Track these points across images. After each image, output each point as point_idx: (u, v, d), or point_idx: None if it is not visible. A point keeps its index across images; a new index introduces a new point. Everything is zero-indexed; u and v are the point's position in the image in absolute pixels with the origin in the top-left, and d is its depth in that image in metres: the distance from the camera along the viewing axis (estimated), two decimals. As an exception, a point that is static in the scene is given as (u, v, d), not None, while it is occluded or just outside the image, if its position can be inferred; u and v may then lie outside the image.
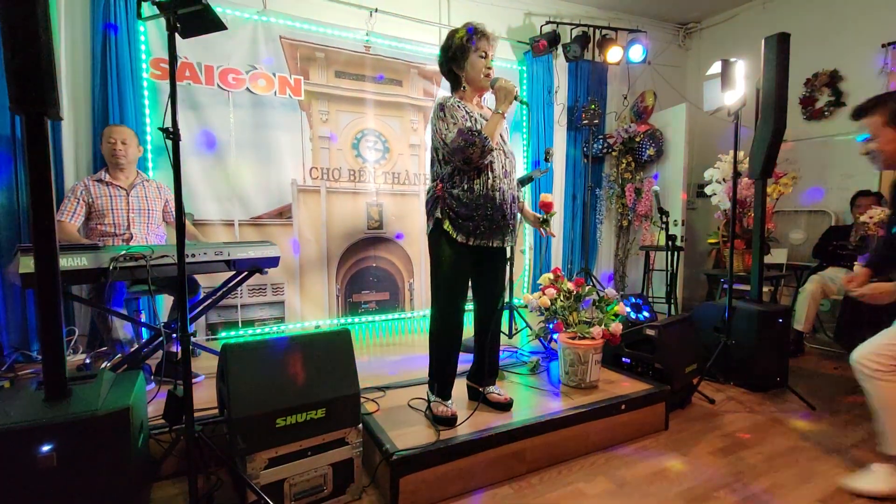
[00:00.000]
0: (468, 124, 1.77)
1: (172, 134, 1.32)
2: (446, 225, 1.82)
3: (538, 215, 2.03)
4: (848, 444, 2.09)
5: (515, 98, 1.81)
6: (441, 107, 1.82)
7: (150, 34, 2.93)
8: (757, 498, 1.69)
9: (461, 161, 1.77)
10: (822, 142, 4.13)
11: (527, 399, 2.11)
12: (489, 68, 1.87)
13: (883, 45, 3.72)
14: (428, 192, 1.92)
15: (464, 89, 1.91)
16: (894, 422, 1.68)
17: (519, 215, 2.03)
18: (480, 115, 1.88)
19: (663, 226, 3.33)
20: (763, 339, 2.63)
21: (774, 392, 2.67)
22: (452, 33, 1.88)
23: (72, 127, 2.79)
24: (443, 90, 3.84)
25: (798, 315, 3.34)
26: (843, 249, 3.44)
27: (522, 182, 2.95)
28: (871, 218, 3.11)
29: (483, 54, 1.85)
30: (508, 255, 2.33)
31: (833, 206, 4.02)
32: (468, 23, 1.86)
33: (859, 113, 1.81)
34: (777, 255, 3.93)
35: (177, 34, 1.35)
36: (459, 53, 1.85)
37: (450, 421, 1.82)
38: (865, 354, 1.74)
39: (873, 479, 1.72)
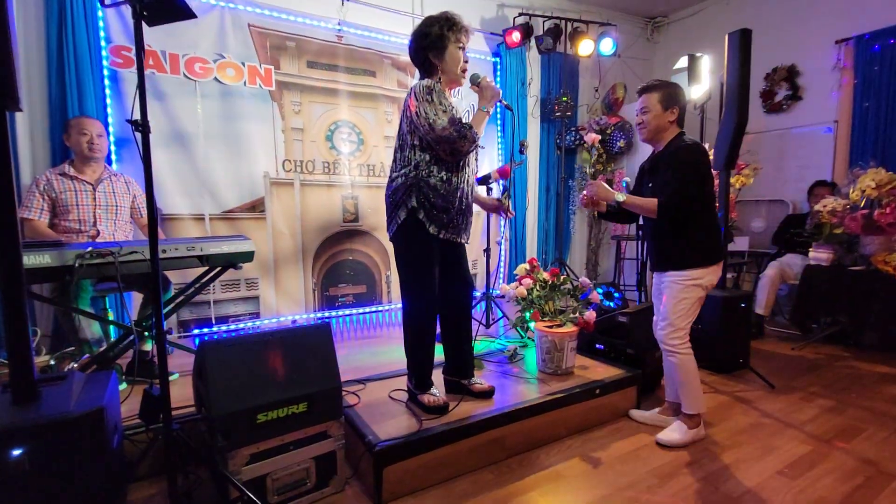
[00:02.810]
0: (457, 115, 1.76)
1: (142, 126, 1.28)
2: (421, 215, 1.78)
3: (494, 199, 2.04)
4: (804, 419, 2.23)
5: (500, 100, 1.83)
6: (429, 90, 1.75)
7: (110, 20, 2.79)
8: (721, 472, 1.79)
9: (447, 151, 1.75)
10: (780, 134, 4.32)
11: (505, 387, 2.16)
12: (466, 61, 1.87)
13: (836, 42, 3.91)
14: (395, 179, 1.83)
15: (439, 80, 1.85)
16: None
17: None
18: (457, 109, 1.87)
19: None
20: (727, 323, 2.76)
21: (737, 373, 2.81)
22: (430, 20, 1.83)
23: (27, 118, 2.64)
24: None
25: (759, 299, 3.52)
26: (800, 237, 3.63)
27: (503, 175, 2.96)
28: (824, 207, 3.29)
29: (461, 46, 1.84)
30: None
31: (790, 196, 4.22)
32: (446, 12, 1.84)
33: (644, 90, 2.02)
34: (739, 243, 4.11)
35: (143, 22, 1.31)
36: (438, 42, 1.81)
37: (442, 409, 1.85)
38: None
39: (672, 432, 2.01)
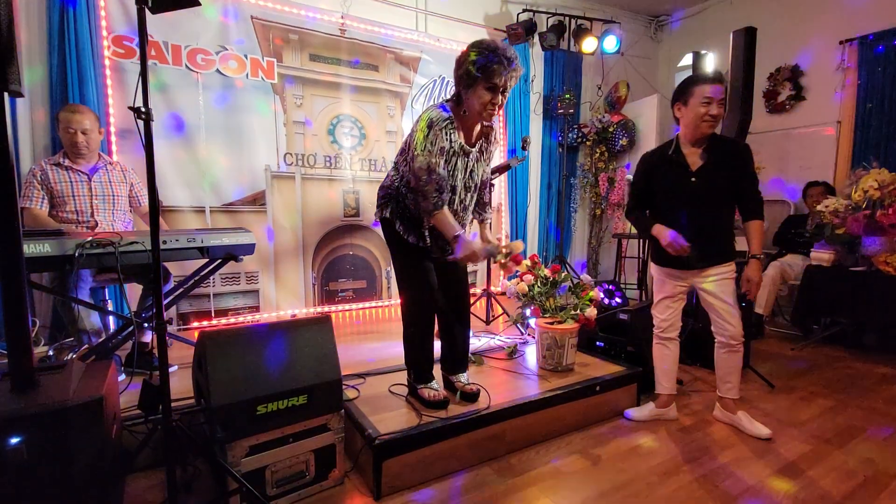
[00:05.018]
0: (440, 171, 1.66)
1: (144, 114, 1.27)
2: (398, 225, 1.83)
3: (495, 247, 1.81)
4: (803, 418, 2.23)
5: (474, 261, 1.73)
6: (430, 123, 1.65)
7: (111, 9, 2.78)
8: (721, 470, 1.79)
9: (409, 187, 1.77)
10: (782, 134, 4.31)
11: (505, 383, 2.15)
12: (495, 104, 1.66)
13: (840, 43, 3.90)
14: (388, 177, 1.88)
15: (464, 113, 1.73)
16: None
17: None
18: (462, 145, 1.74)
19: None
20: (728, 322, 2.75)
21: (737, 372, 2.80)
22: (476, 47, 1.64)
23: (28, 106, 2.63)
24: (420, 76, 3.80)
25: (759, 299, 3.51)
26: (801, 237, 3.63)
27: (500, 170, 2.96)
28: (826, 207, 3.29)
29: (491, 86, 1.62)
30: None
31: (792, 196, 4.22)
32: (494, 44, 1.63)
33: (722, 79, 1.93)
34: (741, 243, 4.10)
35: (146, 9, 1.29)
36: (466, 77, 1.65)
37: (441, 404, 1.84)
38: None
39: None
